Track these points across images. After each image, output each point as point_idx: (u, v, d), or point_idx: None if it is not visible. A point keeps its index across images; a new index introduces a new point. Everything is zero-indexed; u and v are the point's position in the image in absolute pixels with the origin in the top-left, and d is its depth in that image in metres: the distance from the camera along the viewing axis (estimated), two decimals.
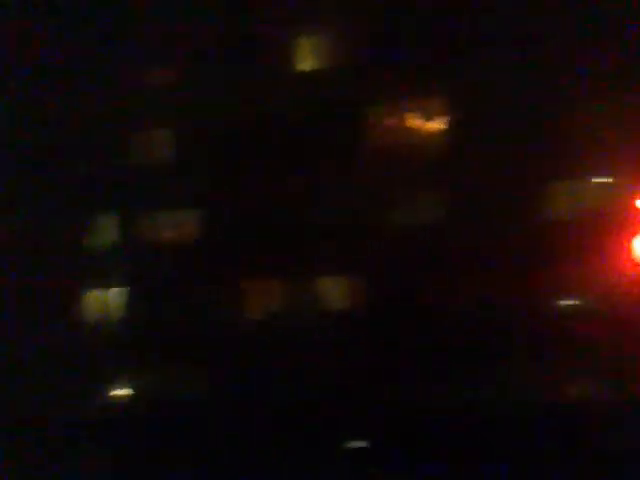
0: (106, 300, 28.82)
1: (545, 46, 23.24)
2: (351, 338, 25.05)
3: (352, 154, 25.40)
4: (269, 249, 26.09)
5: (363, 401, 24.59)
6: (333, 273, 25.86)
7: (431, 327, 24.16)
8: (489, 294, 23.52)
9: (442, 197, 24.62)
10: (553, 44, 23.16)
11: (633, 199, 22.61)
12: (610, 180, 23.02)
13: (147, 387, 27.95)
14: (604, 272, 22.50)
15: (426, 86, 24.68)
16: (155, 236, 28.25)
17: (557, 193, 23.48)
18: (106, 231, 28.71)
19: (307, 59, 26.30)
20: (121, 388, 28.36)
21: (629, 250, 22.51)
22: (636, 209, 22.60)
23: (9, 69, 28.72)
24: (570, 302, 23.32)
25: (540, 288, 23.28)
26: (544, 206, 23.51)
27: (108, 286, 28.73)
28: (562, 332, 22.69)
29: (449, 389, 23.55)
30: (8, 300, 28.75)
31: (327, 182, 25.65)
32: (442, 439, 23.24)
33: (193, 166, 27.39)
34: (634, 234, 22.51)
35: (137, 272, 28.18)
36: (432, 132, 25.00)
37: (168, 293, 27.71)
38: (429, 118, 25.00)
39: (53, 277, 28.44)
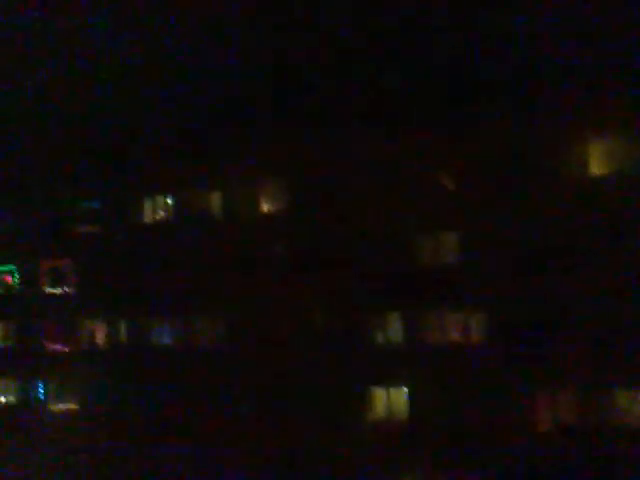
0: (389, 400, 29.38)
1: None
2: None
3: None
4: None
5: None
6: None
7: None
8: None
9: None
10: None
11: None
12: None
13: None
14: None
15: None
16: (439, 337, 28.59)
17: None
18: (392, 330, 29.47)
19: None
20: None
21: None
22: None
23: None
24: None
25: None
26: None
27: (391, 385, 29.31)
28: None
29: None
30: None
31: None
32: None
33: (479, 269, 27.65)
34: None
35: (421, 373, 28.54)
36: None
37: (450, 396, 27.78)
38: None
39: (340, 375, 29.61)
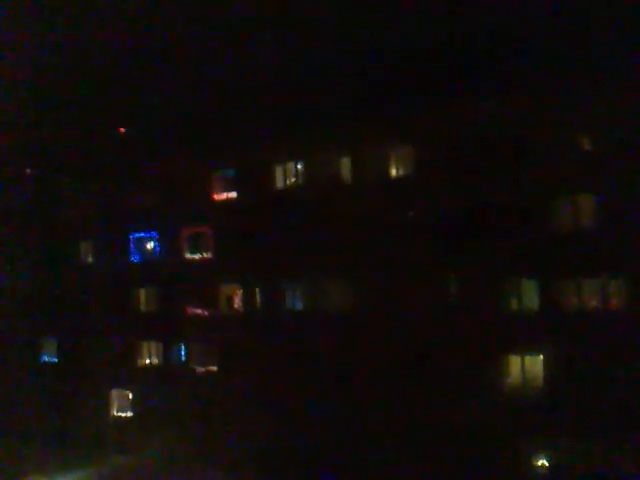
0: (524, 366, 28.63)
1: None
2: None
3: None
4: None
5: None
6: None
7: None
8: None
9: None
10: None
11: None
12: None
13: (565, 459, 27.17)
14: None
15: None
16: (577, 303, 27.52)
17: None
18: (526, 297, 28.60)
19: None
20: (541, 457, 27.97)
21: None
22: None
23: None
24: None
25: None
26: None
27: (524, 352, 28.53)
28: None
29: None
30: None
31: None
32: None
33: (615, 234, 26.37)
34: None
35: (556, 340, 27.60)
36: None
37: (590, 363, 26.73)
38: None
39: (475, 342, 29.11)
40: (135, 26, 39.13)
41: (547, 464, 27.84)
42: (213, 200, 37.85)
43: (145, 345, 40.19)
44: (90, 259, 43.28)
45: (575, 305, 27.53)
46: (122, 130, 42.52)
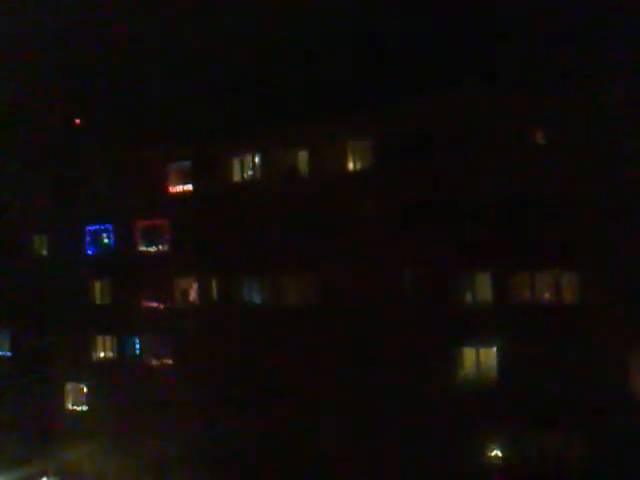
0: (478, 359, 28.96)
1: None
2: None
3: None
4: None
5: None
6: None
7: None
8: None
9: None
10: None
11: None
12: None
13: (519, 452, 27.56)
14: None
15: None
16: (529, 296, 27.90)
17: None
18: (480, 290, 28.93)
19: None
20: (494, 450, 28.31)
21: None
22: None
23: None
24: None
25: None
26: None
27: (478, 345, 28.86)
28: None
29: None
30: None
31: None
32: None
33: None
34: None
35: (509, 333, 27.97)
36: None
37: (540, 356, 27.12)
38: None
39: (428, 334, 29.36)
40: (89, 16, 38.70)
41: (500, 455, 28.21)
42: (169, 192, 37.61)
43: (100, 338, 39.86)
44: (44, 251, 42.75)
45: (528, 298, 27.87)
46: (77, 121, 42.04)
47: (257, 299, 35.00)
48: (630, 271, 25.67)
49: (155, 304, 37.94)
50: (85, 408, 40.08)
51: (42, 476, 39.33)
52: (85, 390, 40.16)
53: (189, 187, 37.14)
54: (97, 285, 40.26)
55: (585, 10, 26.40)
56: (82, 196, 40.58)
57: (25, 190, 43.12)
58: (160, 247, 37.98)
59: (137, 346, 38.23)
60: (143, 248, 38.54)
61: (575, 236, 26.61)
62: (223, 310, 35.65)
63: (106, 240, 40.15)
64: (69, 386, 40.82)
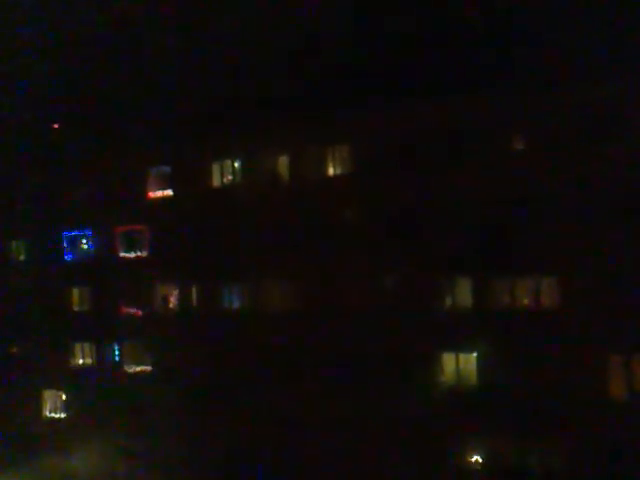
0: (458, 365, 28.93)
1: None
2: None
3: None
4: None
5: None
6: None
7: None
8: None
9: None
10: None
11: None
12: None
13: (500, 456, 27.52)
14: None
15: None
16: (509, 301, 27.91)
17: None
18: (460, 295, 28.92)
19: None
20: (474, 454, 28.25)
21: None
22: None
23: None
24: None
25: None
26: None
27: (459, 351, 28.83)
28: None
29: None
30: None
31: None
32: None
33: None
34: None
35: (489, 339, 27.95)
36: None
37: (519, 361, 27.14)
38: None
39: (409, 340, 29.32)
40: (69, 22, 38.52)
41: (480, 460, 28.16)
42: (148, 198, 37.40)
43: (79, 345, 39.54)
44: (22, 257, 42.39)
45: (508, 303, 27.87)
46: (56, 125, 41.76)
47: (237, 305, 34.82)
48: (610, 276, 25.72)
49: (134, 310, 37.69)
50: (63, 415, 39.73)
51: None
52: (64, 397, 39.81)
53: (169, 192, 36.95)
54: (76, 291, 39.95)
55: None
56: (61, 201, 40.29)
57: (2, 195, 42.74)
58: (139, 253, 37.73)
59: (116, 353, 37.97)
60: (122, 254, 38.28)
61: (555, 242, 26.65)
62: (203, 316, 35.45)
63: (85, 246, 39.87)
64: (47, 393, 40.45)
